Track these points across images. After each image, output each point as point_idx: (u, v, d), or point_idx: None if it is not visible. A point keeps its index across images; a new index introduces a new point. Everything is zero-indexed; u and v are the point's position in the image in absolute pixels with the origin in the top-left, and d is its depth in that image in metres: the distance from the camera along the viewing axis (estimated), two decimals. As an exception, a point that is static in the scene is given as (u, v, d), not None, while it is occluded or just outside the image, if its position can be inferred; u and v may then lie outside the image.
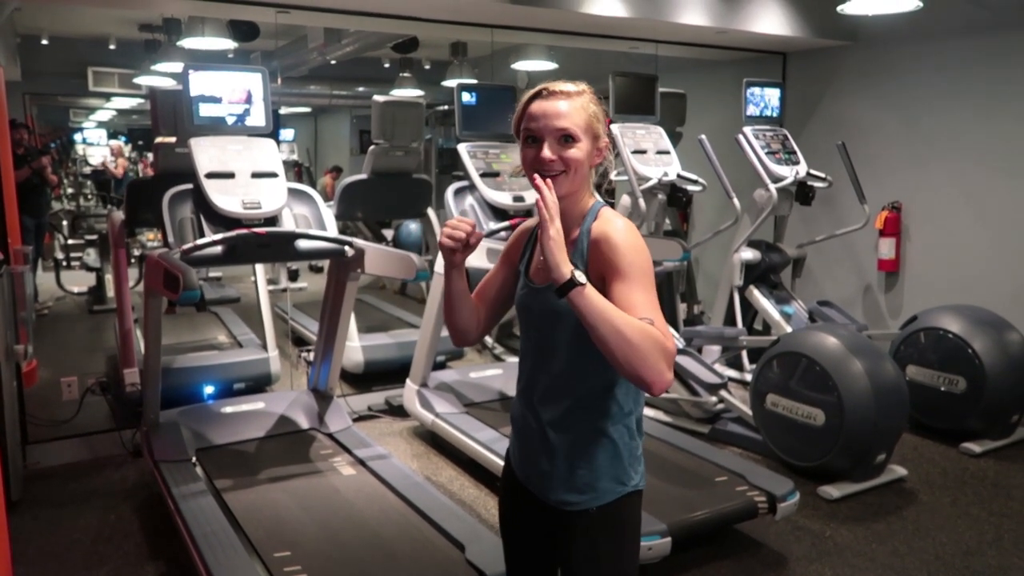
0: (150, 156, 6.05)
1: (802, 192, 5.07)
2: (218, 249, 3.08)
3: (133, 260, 5.86)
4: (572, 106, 1.44)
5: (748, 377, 4.83)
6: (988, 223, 4.80)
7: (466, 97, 4.32)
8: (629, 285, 1.37)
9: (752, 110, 5.21)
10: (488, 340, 5.67)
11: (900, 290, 5.35)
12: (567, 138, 1.44)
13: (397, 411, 4.45)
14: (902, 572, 2.89)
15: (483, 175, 4.12)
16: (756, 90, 5.24)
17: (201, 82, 3.28)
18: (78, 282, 6.75)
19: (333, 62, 6.45)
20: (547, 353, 1.52)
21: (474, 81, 5.71)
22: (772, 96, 5.32)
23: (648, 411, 4.37)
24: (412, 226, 7.15)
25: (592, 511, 1.51)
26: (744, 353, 5.04)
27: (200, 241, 3.03)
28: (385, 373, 4.79)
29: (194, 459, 3.27)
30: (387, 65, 7.12)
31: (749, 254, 5.09)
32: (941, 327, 4.13)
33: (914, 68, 5.11)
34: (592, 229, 1.46)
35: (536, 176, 1.41)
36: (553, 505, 1.55)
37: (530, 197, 4.14)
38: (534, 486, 1.58)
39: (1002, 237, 4.73)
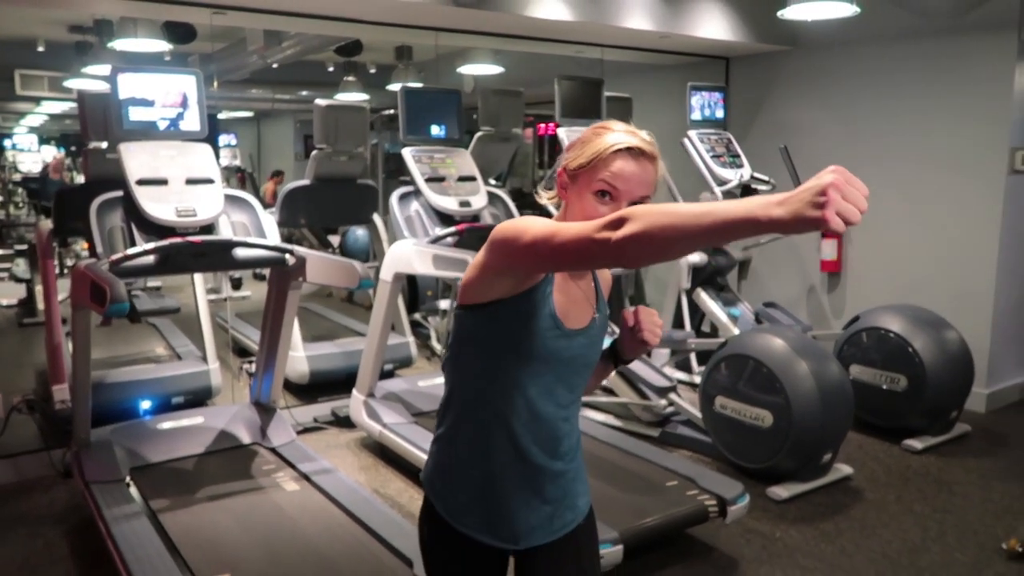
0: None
1: (746, 195, 5.12)
2: (150, 259, 2.95)
3: (66, 270, 5.63)
4: (653, 171, 1.37)
5: (697, 379, 4.85)
6: (926, 224, 4.92)
7: (410, 101, 4.25)
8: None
9: (697, 114, 5.26)
10: (438, 347, 5.60)
11: (843, 291, 5.45)
12: (641, 203, 1.36)
13: (344, 422, 4.34)
14: (851, 571, 2.92)
15: (428, 180, 4.05)
16: (701, 94, 5.28)
17: (130, 85, 3.14)
18: (7, 294, 6.46)
19: (275, 65, 6.30)
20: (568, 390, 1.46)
21: (419, 85, 5.64)
22: (716, 100, 5.37)
23: (597, 415, 4.36)
24: (359, 232, 7.03)
25: (586, 519, 1.54)
26: (693, 355, 5.07)
27: (131, 251, 2.90)
28: (331, 383, 4.68)
29: (128, 479, 3.13)
30: (331, 69, 7.00)
31: (696, 257, 5.11)
32: (883, 327, 4.21)
33: (852, 72, 5.22)
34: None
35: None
36: (547, 543, 1.48)
37: (476, 202, 4.09)
38: (532, 537, 1.46)
39: (939, 237, 4.85)
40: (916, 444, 4.08)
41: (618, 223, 1.08)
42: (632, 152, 1.34)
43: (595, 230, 1.11)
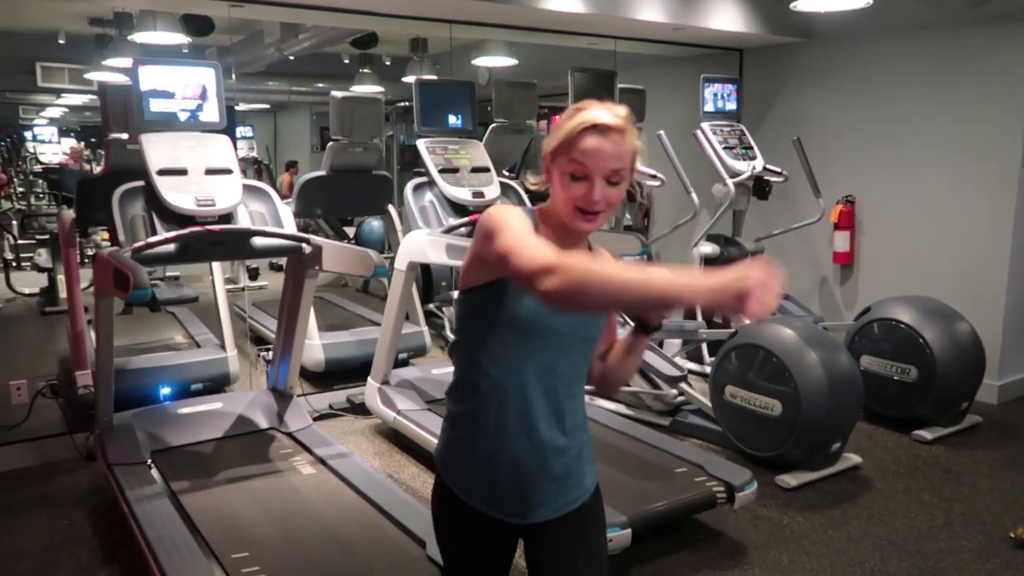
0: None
1: (759, 186, 5.14)
2: (171, 247, 3.03)
3: (86, 260, 5.73)
4: (625, 144, 1.38)
5: (708, 369, 4.89)
6: (937, 216, 4.92)
7: (425, 93, 4.30)
8: None
9: (709, 106, 5.27)
10: (451, 337, 5.65)
11: (855, 282, 5.46)
12: (616, 177, 1.39)
13: (359, 409, 4.42)
14: (856, 557, 2.95)
15: (442, 171, 4.10)
16: (714, 86, 5.29)
17: (151, 77, 3.21)
18: (29, 283, 6.57)
19: (291, 58, 6.37)
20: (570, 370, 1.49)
21: (434, 77, 5.69)
22: (729, 92, 5.38)
23: (609, 404, 4.41)
24: (375, 223, 7.10)
25: (593, 496, 1.58)
26: (704, 346, 5.10)
27: (152, 239, 2.97)
28: (347, 371, 4.75)
29: (149, 461, 3.21)
30: (347, 61, 7.04)
31: (708, 248, 5.14)
32: (894, 318, 4.22)
33: (866, 65, 5.21)
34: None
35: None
36: (554, 519, 1.52)
37: (489, 193, 4.14)
38: (539, 512, 1.50)
39: (950, 229, 4.85)
40: (926, 434, 4.10)
41: (550, 271, 1.18)
42: (599, 128, 1.36)
43: (532, 271, 1.20)
